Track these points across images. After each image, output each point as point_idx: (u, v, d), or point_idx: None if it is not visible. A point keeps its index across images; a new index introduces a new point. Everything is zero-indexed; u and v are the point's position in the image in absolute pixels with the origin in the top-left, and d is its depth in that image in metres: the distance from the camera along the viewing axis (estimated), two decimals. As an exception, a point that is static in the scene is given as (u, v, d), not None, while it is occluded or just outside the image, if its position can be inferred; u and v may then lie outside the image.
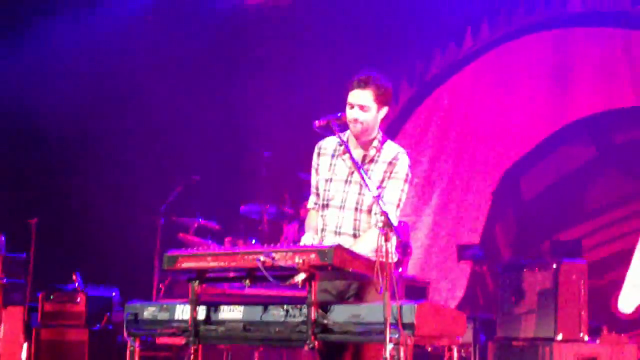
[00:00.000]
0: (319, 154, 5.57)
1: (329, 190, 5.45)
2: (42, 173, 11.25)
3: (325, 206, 5.45)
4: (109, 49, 11.43)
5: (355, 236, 5.32)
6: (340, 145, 5.43)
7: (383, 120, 5.43)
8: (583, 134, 10.51)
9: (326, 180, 5.47)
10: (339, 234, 5.37)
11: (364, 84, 5.31)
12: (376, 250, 4.62)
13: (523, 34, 11.06)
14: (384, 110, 5.39)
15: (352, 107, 5.33)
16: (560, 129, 10.65)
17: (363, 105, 5.30)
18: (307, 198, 9.72)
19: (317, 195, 5.52)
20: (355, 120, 5.31)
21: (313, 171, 5.60)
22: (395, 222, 5.09)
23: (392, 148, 5.42)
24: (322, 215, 5.47)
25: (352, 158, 5.22)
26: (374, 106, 5.33)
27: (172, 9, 11.69)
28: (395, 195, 5.33)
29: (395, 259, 5.30)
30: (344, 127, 5.38)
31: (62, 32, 11.08)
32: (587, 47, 10.53)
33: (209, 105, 11.57)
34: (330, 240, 5.24)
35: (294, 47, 11.53)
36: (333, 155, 5.50)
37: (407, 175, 5.38)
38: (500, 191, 10.93)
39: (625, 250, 10.02)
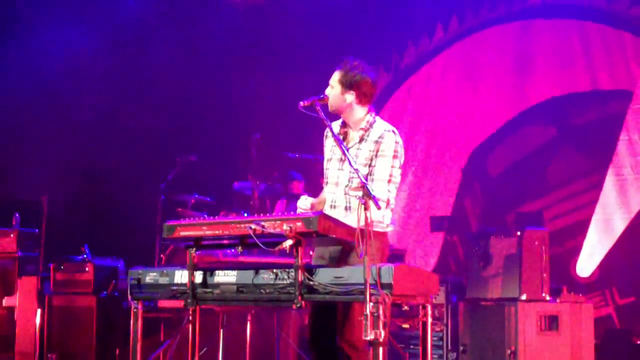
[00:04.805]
0: (325, 137, 5.55)
1: (328, 169, 5.45)
2: (53, 155, 11.18)
3: (326, 183, 5.44)
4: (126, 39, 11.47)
5: (347, 209, 5.28)
6: (342, 127, 5.41)
7: (363, 103, 5.34)
8: (544, 116, 10.50)
9: (327, 160, 5.48)
10: (334, 207, 5.33)
11: (338, 66, 5.38)
12: (360, 218, 4.57)
13: (488, 26, 11.04)
14: (350, 94, 5.32)
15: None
16: (523, 112, 10.64)
17: (330, 84, 5.36)
18: (293, 176, 9.72)
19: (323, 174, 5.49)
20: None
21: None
22: (384, 196, 5.07)
23: (379, 127, 5.34)
24: (326, 192, 5.44)
25: (334, 135, 5.19)
26: (337, 86, 5.33)
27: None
28: (385, 171, 5.26)
29: (390, 229, 5.28)
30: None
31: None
32: (546, 37, 10.52)
33: (206, 93, 11.51)
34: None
35: (283, 40, 11.46)
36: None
37: (395, 151, 5.29)
38: (469, 168, 10.93)
39: (582, 221, 10.04)
